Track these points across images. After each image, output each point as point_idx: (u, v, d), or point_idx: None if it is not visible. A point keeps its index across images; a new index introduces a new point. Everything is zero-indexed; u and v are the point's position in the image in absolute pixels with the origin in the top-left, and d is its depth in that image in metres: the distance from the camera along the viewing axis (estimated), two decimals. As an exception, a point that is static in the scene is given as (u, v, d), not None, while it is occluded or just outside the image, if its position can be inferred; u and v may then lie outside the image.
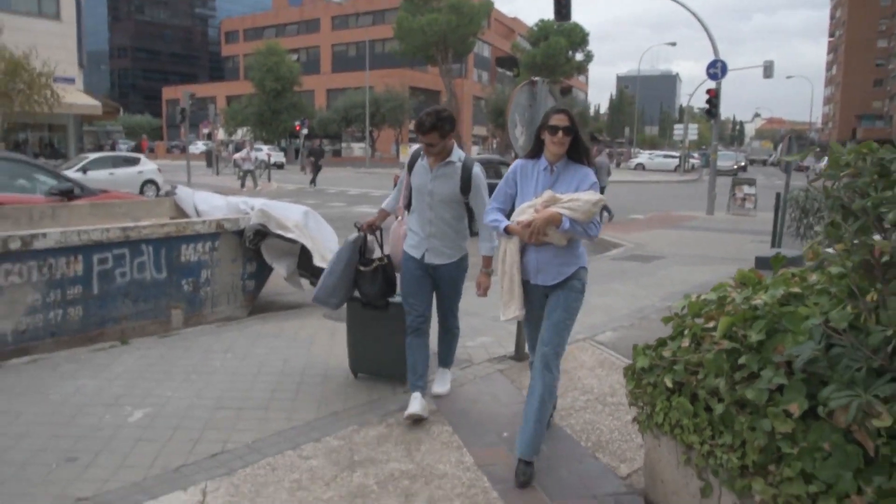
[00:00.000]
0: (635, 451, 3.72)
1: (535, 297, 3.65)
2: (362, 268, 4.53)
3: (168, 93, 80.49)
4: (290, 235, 6.63)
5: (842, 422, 1.98)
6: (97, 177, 17.70)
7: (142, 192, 19.47)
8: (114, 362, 5.14)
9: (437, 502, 3.17)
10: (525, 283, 3.62)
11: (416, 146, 4.39)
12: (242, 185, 25.84)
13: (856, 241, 1.92)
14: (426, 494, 3.25)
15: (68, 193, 7.99)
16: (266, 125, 53.62)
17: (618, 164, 56.07)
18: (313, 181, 29.05)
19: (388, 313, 4.61)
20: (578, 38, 49.32)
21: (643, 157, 54.13)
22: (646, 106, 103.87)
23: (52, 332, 5.51)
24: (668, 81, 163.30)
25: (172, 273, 6.19)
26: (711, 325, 2.70)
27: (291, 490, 3.26)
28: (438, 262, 4.24)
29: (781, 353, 2.27)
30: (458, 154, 4.20)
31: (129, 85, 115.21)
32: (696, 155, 56.50)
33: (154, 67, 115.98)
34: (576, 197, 3.37)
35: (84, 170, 18.11)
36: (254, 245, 6.62)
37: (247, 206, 6.97)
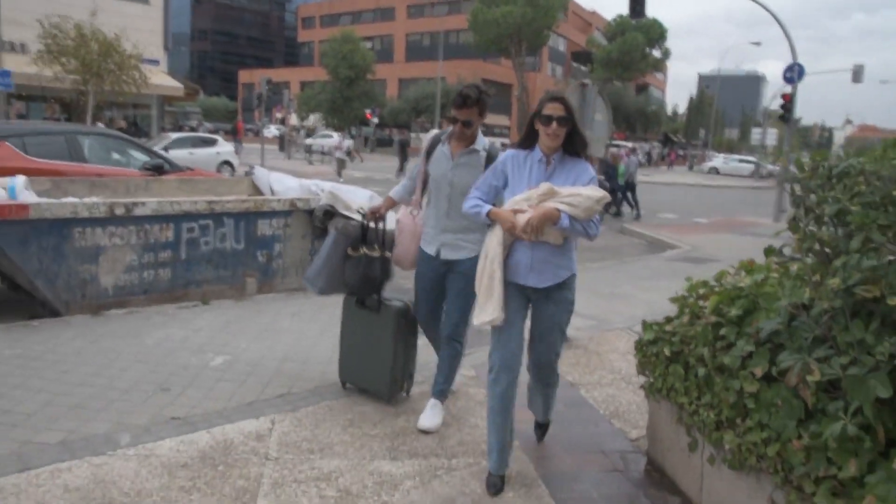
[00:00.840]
0: (647, 420, 4.19)
1: (517, 301, 3.29)
2: (351, 252, 4.17)
3: (244, 76, 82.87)
4: (355, 217, 7.25)
5: (790, 380, 2.42)
6: (177, 156, 18.68)
7: (218, 171, 20.51)
8: (197, 318, 5.85)
9: (466, 444, 3.72)
10: (508, 285, 3.25)
11: (434, 131, 4.10)
12: (339, 174, 26.66)
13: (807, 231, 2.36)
14: (457, 438, 3.80)
15: (159, 169, 8.82)
16: (337, 112, 54.88)
17: (691, 167, 55.20)
18: (402, 169, 29.83)
19: (380, 317, 4.15)
20: (656, 34, 48.70)
21: (718, 160, 53.10)
22: (727, 107, 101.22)
23: (144, 289, 6.26)
24: (753, 82, 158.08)
25: (249, 245, 6.89)
26: (705, 303, 3.16)
27: (344, 426, 3.86)
28: (455, 258, 3.85)
29: (754, 327, 2.73)
30: (482, 142, 3.87)
31: (207, 67, 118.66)
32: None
33: (231, 51, 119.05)
34: (576, 192, 3.08)
35: (166, 149, 19.17)
36: (322, 224, 7.26)
37: (317, 188, 7.62)
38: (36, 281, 5.73)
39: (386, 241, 4.19)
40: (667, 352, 3.23)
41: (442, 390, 4.05)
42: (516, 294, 3.27)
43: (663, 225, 16.39)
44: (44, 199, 6.02)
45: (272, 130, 56.07)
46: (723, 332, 2.85)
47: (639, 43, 46.40)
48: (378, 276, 4.10)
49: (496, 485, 3.28)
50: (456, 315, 3.91)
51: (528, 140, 3.33)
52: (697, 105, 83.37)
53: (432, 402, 4.02)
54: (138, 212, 6.13)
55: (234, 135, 38.81)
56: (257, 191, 8.43)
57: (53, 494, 3.05)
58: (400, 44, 74.10)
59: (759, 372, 2.58)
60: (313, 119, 56.35)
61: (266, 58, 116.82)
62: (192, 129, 39.90)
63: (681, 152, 69.29)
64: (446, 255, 3.88)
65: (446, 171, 3.84)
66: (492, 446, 3.31)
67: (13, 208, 5.58)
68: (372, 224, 4.18)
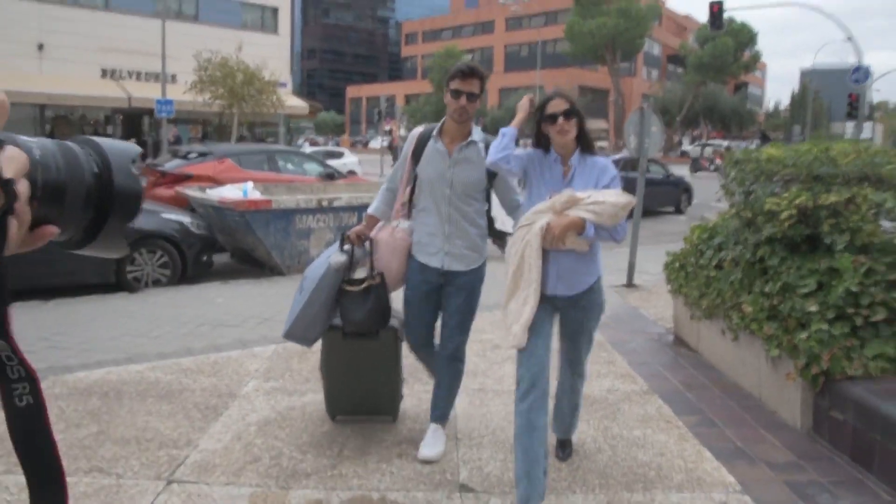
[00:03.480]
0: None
1: (542, 312, 3.11)
2: (349, 287, 3.67)
3: (351, 91, 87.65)
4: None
5: (724, 265, 4.79)
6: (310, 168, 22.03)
7: (347, 179, 23.68)
8: (378, 274, 8.60)
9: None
10: None
11: (419, 128, 3.76)
12: None
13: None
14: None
15: (331, 176, 11.72)
16: (442, 122, 58.01)
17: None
18: None
19: (378, 342, 3.88)
20: (746, 37, 49.65)
21: None
22: (833, 101, 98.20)
23: (338, 257, 9.06)
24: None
25: (406, 227, 9.59)
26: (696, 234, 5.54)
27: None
28: (459, 269, 3.53)
29: (713, 242, 5.10)
30: (478, 133, 3.55)
31: (316, 84, 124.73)
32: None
33: (339, 68, 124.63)
34: (601, 199, 2.96)
35: (301, 162, 22.50)
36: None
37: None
38: (272, 252, 8.63)
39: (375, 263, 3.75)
40: (677, 265, 5.63)
41: (444, 414, 3.81)
42: (542, 305, 3.10)
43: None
44: (275, 197, 8.93)
45: (380, 142, 59.99)
46: (700, 247, 5.24)
47: (729, 47, 47.44)
48: (389, 303, 3.72)
49: (565, 452, 3.46)
50: (458, 334, 3.66)
51: (537, 141, 3.25)
52: (799, 101, 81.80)
53: (433, 427, 3.75)
54: (336, 204, 8.96)
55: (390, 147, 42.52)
56: (403, 190, 11.15)
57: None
58: (499, 55, 76.70)
59: (714, 263, 4.97)
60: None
61: (371, 73, 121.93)
62: (315, 144, 43.90)
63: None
64: (450, 265, 3.54)
65: (443, 170, 3.49)
66: (519, 476, 3.05)
67: (262, 202, 8.50)
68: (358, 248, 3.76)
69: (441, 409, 3.78)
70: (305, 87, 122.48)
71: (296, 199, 8.77)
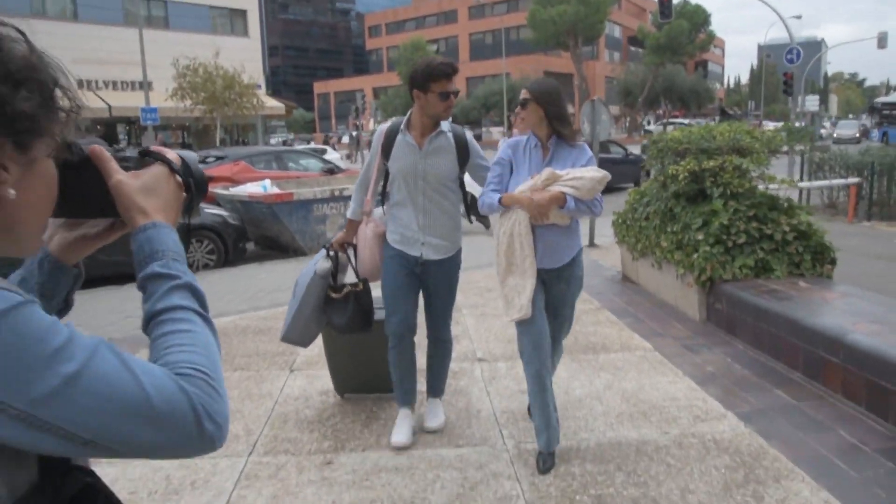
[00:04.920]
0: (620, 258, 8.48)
1: (536, 284, 3.37)
2: (333, 294, 3.87)
3: (318, 87, 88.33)
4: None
5: (649, 217, 6.73)
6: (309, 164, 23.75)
7: (332, 174, 25.43)
8: (386, 248, 10.47)
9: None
10: None
11: (384, 124, 3.81)
12: None
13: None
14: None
15: (332, 171, 13.55)
16: (413, 114, 59.44)
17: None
18: None
19: (372, 333, 4.02)
20: (700, 19, 52.32)
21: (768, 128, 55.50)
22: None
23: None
24: (813, 48, 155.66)
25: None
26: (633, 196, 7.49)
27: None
28: (436, 258, 3.63)
29: (641, 202, 7.04)
30: (446, 123, 3.62)
31: (281, 82, 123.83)
32: (826, 125, 57.16)
33: (303, 63, 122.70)
34: (579, 175, 3.20)
35: (288, 159, 24.21)
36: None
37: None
38: (295, 235, 10.45)
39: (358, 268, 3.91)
40: (620, 220, 7.58)
41: (439, 387, 3.98)
42: None
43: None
44: (296, 190, 10.75)
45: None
46: (635, 205, 7.18)
47: (684, 29, 49.93)
48: (371, 307, 3.89)
49: (547, 462, 3.44)
50: (443, 317, 3.82)
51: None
52: (758, 75, 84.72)
53: (431, 400, 3.90)
54: (346, 193, 10.78)
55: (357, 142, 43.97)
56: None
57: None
58: (464, 44, 78.14)
59: (644, 216, 6.91)
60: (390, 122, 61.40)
61: (336, 67, 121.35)
62: (288, 143, 45.37)
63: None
64: (428, 255, 3.63)
65: (416, 161, 3.57)
66: (539, 428, 3.48)
67: (285, 195, 10.33)
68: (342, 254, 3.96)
69: (436, 383, 3.93)
70: (270, 84, 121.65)
71: (313, 190, 10.59)
